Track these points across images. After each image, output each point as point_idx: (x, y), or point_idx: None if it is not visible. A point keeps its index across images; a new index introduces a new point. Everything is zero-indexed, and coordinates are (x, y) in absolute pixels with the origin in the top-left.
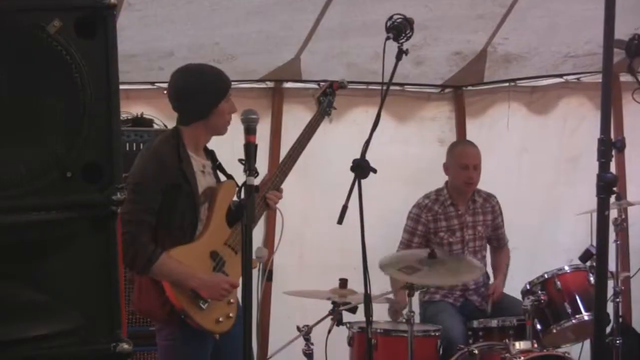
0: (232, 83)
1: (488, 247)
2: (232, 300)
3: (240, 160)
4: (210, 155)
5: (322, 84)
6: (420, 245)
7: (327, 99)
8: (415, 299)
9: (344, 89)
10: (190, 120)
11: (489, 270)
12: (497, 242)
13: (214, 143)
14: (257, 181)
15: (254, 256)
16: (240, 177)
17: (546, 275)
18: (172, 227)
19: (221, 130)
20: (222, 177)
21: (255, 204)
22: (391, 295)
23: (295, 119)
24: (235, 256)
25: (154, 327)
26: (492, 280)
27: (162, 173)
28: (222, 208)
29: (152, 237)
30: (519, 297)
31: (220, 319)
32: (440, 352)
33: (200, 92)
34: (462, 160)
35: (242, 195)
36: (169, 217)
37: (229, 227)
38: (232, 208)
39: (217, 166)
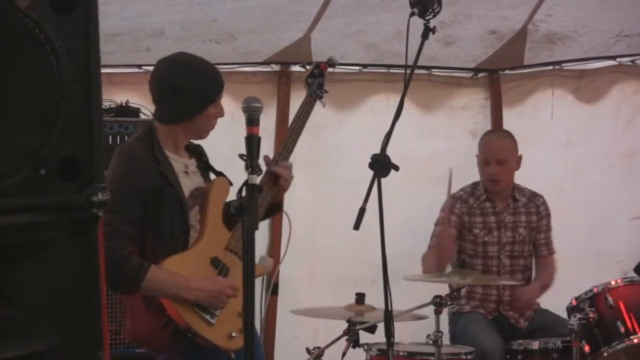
0: (233, 65)
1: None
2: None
3: (241, 156)
4: (196, 151)
5: (307, 66)
6: (455, 239)
7: (317, 81)
8: (444, 318)
9: (333, 67)
10: (170, 121)
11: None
12: (536, 251)
13: (212, 135)
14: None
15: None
16: (241, 175)
17: (596, 290)
18: (162, 238)
19: (202, 135)
20: (212, 176)
21: (258, 205)
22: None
23: None
24: (239, 262)
25: (142, 349)
26: None
27: (139, 177)
28: (217, 209)
29: (139, 252)
30: (564, 315)
31: (234, 334)
32: None
33: (187, 93)
34: (484, 154)
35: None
36: (157, 226)
37: (228, 229)
38: (231, 211)
39: (204, 163)
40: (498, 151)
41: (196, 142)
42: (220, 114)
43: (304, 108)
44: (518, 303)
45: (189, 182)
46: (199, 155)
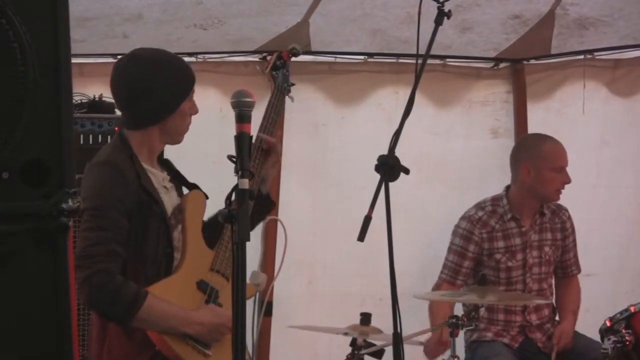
0: (221, 55)
1: None
2: None
3: (230, 157)
4: (166, 164)
5: (268, 57)
6: (471, 272)
7: (281, 73)
8: (460, 340)
9: (296, 56)
10: (143, 125)
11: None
12: (563, 271)
13: (197, 134)
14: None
15: (248, 282)
16: (230, 179)
17: (633, 309)
18: (145, 261)
19: (178, 138)
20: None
21: (249, 213)
22: (425, 337)
23: (303, 101)
24: (228, 284)
25: None
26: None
27: (125, 191)
28: (196, 226)
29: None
30: (597, 337)
31: None
32: None
33: (158, 91)
34: (559, 161)
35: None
36: (140, 248)
37: (210, 248)
38: (220, 220)
39: (174, 176)
40: (566, 156)
41: (168, 150)
42: (194, 110)
43: (274, 103)
44: (565, 341)
45: (169, 198)
46: (168, 168)
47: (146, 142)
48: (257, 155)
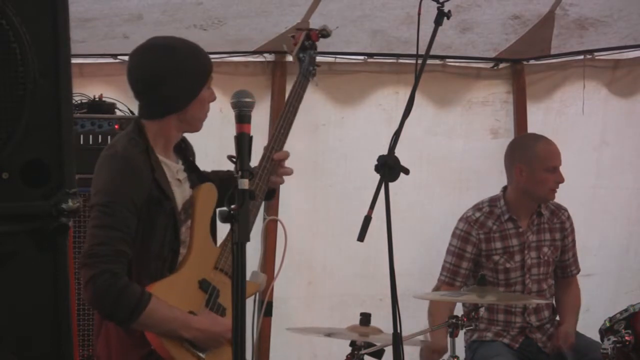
0: (221, 55)
1: None
2: None
3: (230, 157)
4: (182, 152)
5: (295, 34)
6: (470, 274)
7: (308, 55)
8: (461, 341)
9: (326, 37)
10: (161, 114)
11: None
12: (563, 272)
13: (197, 134)
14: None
15: (248, 279)
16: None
17: (632, 309)
18: (150, 258)
19: (197, 125)
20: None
21: (249, 213)
22: (425, 337)
23: (303, 101)
24: (230, 282)
25: None
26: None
27: (137, 187)
28: (204, 222)
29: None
30: (596, 337)
31: None
32: None
33: (177, 78)
34: (552, 161)
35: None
36: (147, 244)
37: (216, 245)
38: (220, 220)
39: (189, 166)
40: (560, 156)
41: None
42: (213, 97)
43: (297, 91)
44: (566, 343)
45: (181, 192)
46: (184, 156)
47: (163, 132)
48: (265, 165)
